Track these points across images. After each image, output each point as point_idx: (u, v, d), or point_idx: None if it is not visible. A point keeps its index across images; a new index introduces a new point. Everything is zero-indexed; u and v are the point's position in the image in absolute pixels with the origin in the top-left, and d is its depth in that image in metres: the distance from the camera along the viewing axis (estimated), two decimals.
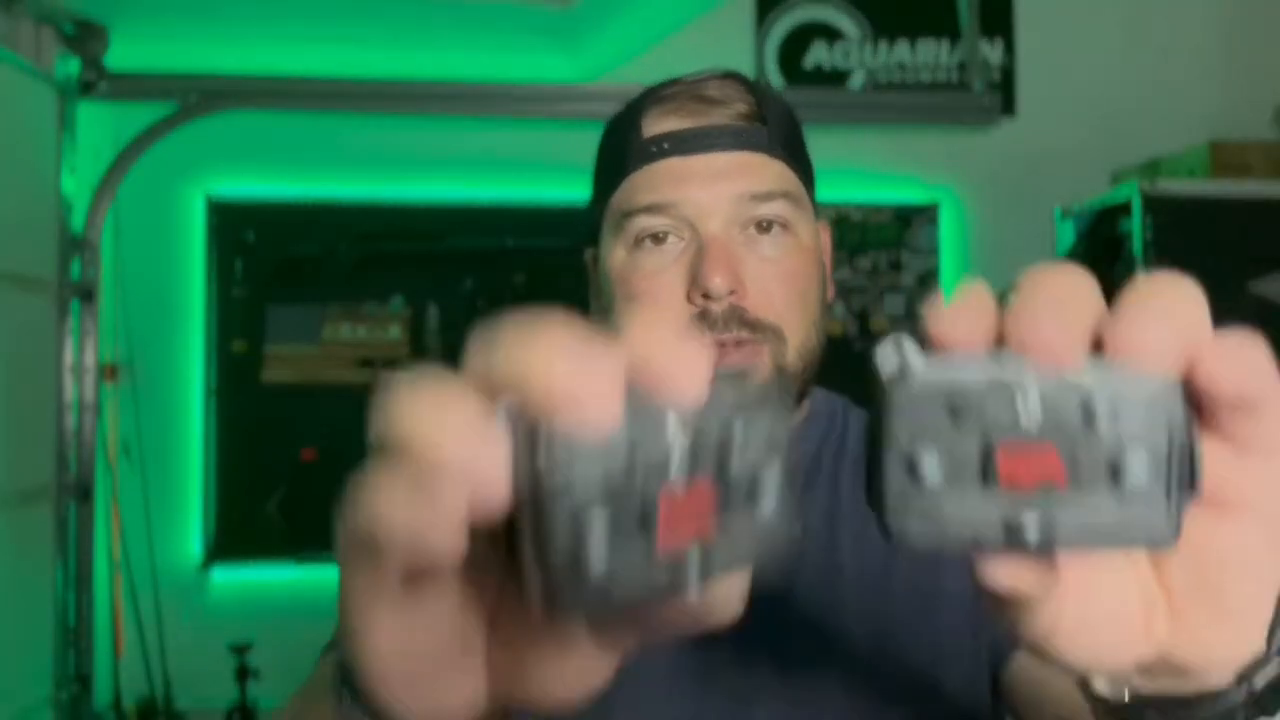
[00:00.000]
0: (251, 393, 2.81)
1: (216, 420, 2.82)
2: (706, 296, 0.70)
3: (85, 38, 2.47)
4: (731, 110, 0.76)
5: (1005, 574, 0.31)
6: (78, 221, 2.52)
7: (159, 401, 2.77)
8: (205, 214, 2.83)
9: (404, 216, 2.87)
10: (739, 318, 0.71)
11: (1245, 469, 0.32)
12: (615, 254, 0.76)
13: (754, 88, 0.77)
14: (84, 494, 2.48)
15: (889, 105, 2.85)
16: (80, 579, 2.46)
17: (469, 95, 2.69)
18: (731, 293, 0.71)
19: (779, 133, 0.76)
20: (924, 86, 3.02)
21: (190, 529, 2.80)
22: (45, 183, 2.42)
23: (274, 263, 2.85)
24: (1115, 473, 0.28)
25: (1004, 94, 3.00)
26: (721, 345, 0.71)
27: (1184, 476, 0.29)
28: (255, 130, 2.82)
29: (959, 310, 0.30)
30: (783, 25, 3.01)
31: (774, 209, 0.74)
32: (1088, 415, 0.28)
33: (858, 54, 3.03)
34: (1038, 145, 3.00)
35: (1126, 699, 0.37)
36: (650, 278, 0.73)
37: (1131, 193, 2.58)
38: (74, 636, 2.45)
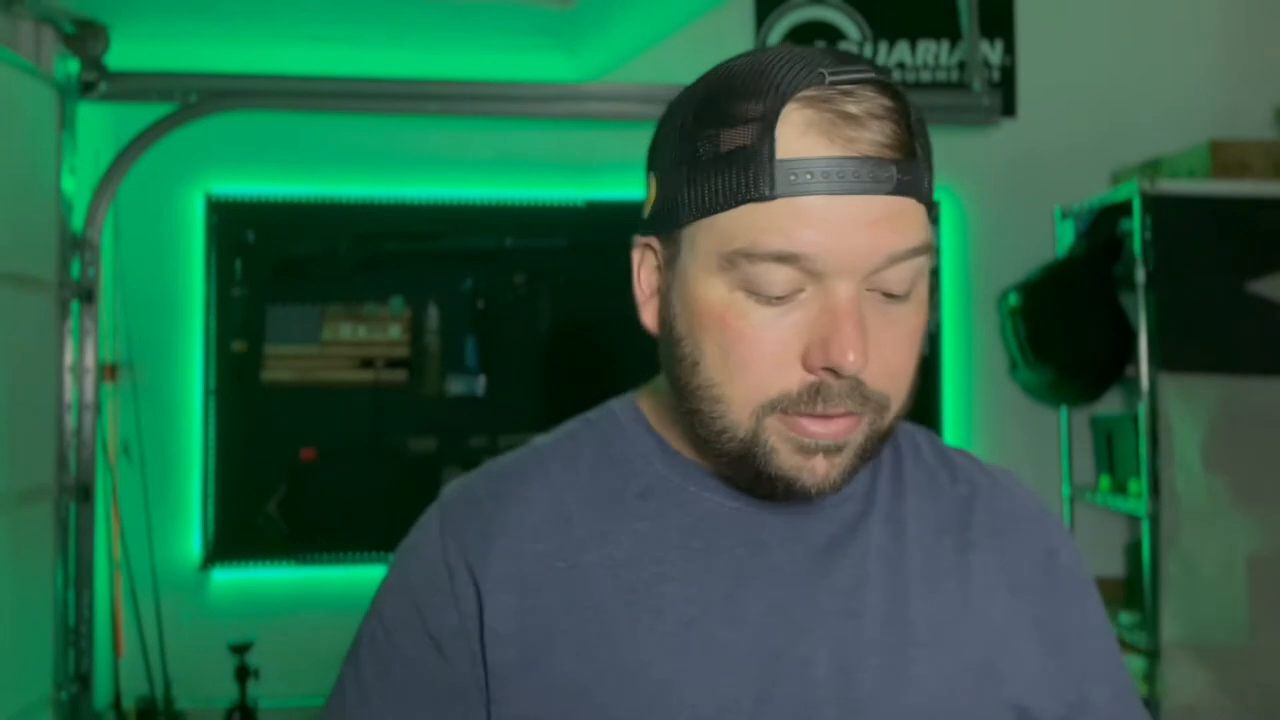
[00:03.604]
0: (251, 393, 2.81)
1: (216, 420, 2.81)
2: (831, 370, 0.62)
3: (85, 38, 2.47)
4: (880, 137, 0.62)
5: None
6: (78, 221, 2.52)
7: (159, 401, 2.77)
8: (205, 214, 2.83)
9: (404, 216, 2.87)
10: (859, 393, 0.63)
11: None
12: (713, 286, 0.64)
13: (902, 100, 0.64)
14: (84, 494, 2.48)
15: None
16: (80, 579, 2.46)
17: (469, 95, 2.69)
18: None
19: (927, 165, 0.64)
20: (924, 86, 3.02)
21: (190, 529, 2.80)
22: (45, 183, 2.42)
23: (274, 263, 2.85)
24: None
25: (1004, 94, 3.00)
26: (830, 421, 0.64)
27: None
28: (255, 130, 2.82)
29: None
30: (783, 25, 3.01)
31: (912, 269, 0.64)
32: None
33: (857, 54, 3.03)
34: (1038, 145, 3.00)
35: None
36: (760, 331, 0.63)
37: (1131, 192, 2.58)
38: (74, 636, 2.45)
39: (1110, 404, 2.95)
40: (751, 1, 3.00)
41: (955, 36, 3.03)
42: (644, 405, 0.77)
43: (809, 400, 0.63)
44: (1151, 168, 2.82)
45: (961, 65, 3.02)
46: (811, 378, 0.62)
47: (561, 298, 2.89)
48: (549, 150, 2.91)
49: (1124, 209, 2.66)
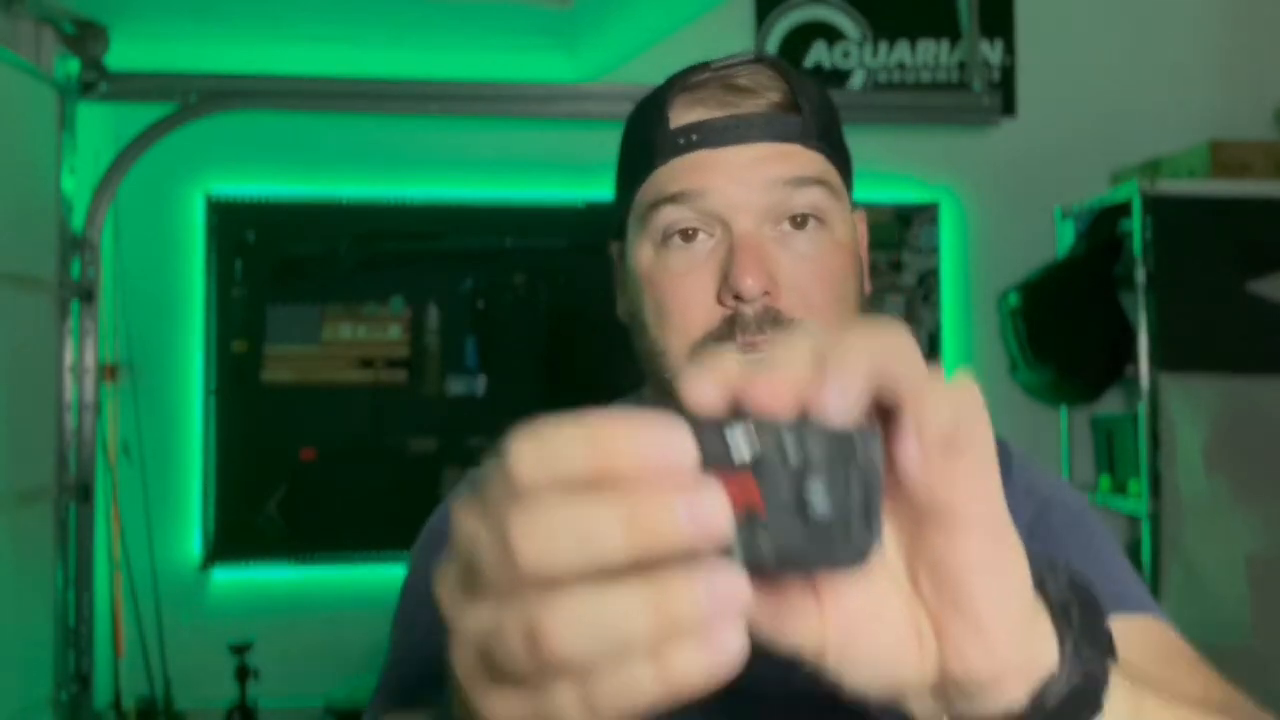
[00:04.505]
0: (251, 393, 2.81)
1: (216, 420, 2.81)
2: (738, 298, 0.68)
3: (85, 38, 2.47)
4: (763, 99, 0.72)
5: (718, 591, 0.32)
6: (78, 221, 2.52)
7: (159, 401, 2.77)
8: (205, 214, 2.83)
9: (404, 216, 2.87)
10: (773, 319, 0.69)
11: (952, 477, 0.36)
12: (642, 251, 0.73)
13: (787, 73, 0.73)
14: (84, 494, 2.48)
15: (889, 105, 2.85)
16: (80, 579, 2.46)
17: (469, 95, 2.69)
18: (765, 294, 0.68)
19: (814, 121, 0.72)
20: (924, 86, 3.02)
21: (190, 529, 2.80)
22: (45, 183, 2.42)
23: (274, 263, 2.85)
24: (803, 504, 0.32)
25: (1004, 94, 3.00)
26: (754, 348, 0.68)
27: (867, 509, 0.33)
28: (255, 130, 2.82)
29: (701, 376, 0.34)
30: (783, 25, 3.01)
31: (809, 198, 0.71)
32: (781, 453, 0.32)
33: (858, 54, 3.03)
34: (1038, 145, 3.00)
35: None
36: (679, 279, 0.71)
37: (1131, 193, 2.58)
38: (74, 636, 2.45)
39: (1110, 404, 2.95)
40: (751, 1, 3.00)
41: (955, 36, 3.03)
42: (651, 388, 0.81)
43: (729, 332, 0.69)
44: (1151, 168, 2.82)
45: (961, 65, 3.02)
46: (727, 310, 0.69)
47: (561, 298, 2.89)
48: (549, 150, 2.91)
49: (1124, 209, 2.66)
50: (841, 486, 0.33)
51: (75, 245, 2.50)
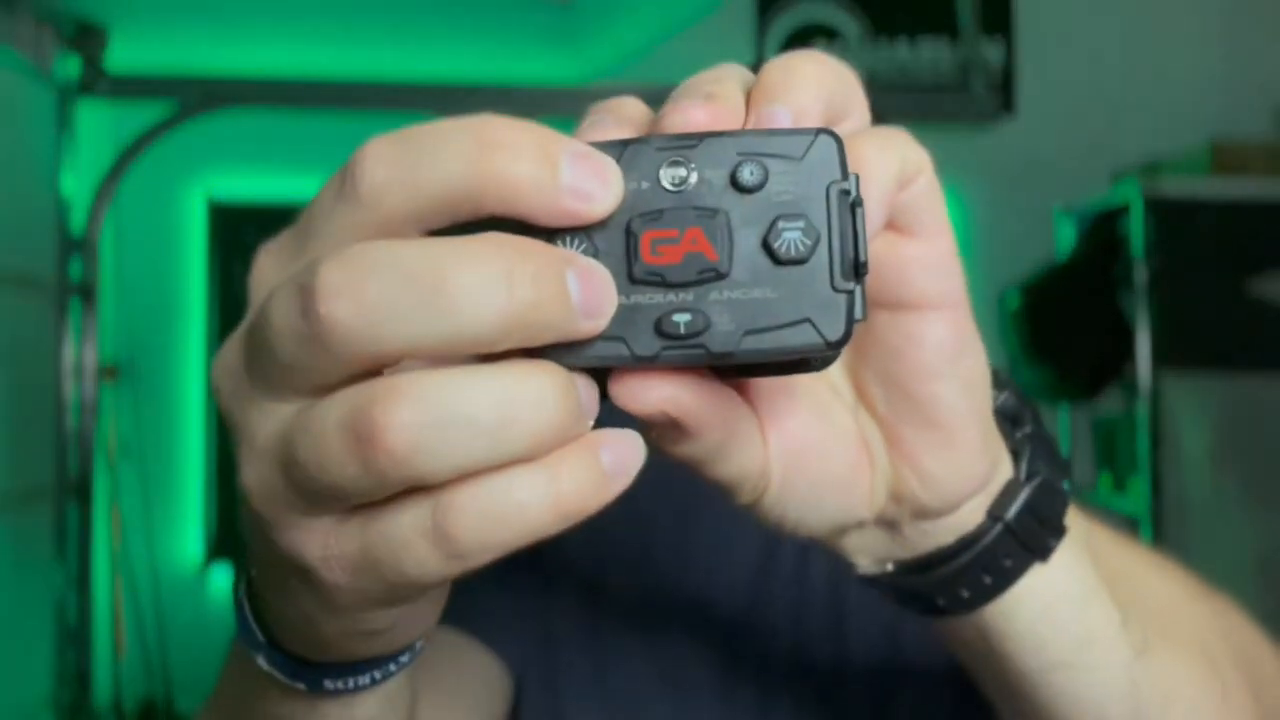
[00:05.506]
0: None
1: (216, 420, 2.81)
2: None
3: (85, 38, 2.47)
4: None
5: (653, 394, 0.25)
6: (78, 221, 2.52)
7: (159, 401, 2.77)
8: (205, 214, 2.83)
9: None
10: None
11: (908, 256, 0.30)
12: None
13: None
14: (84, 494, 2.48)
15: (889, 105, 2.85)
16: (80, 579, 2.46)
17: (468, 95, 2.69)
18: None
19: None
20: (924, 87, 3.02)
21: (190, 529, 2.80)
22: (45, 183, 2.42)
23: None
24: (769, 246, 0.24)
25: (1004, 94, 3.00)
26: None
27: (847, 249, 0.24)
28: (255, 130, 2.82)
29: (601, 115, 0.29)
30: (783, 25, 3.01)
31: None
32: (734, 181, 0.24)
33: (858, 54, 3.03)
34: (1038, 145, 3.00)
35: (891, 569, 0.34)
36: None
37: (1131, 193, 2.58)
38: (74, 636, 2.45)
39: (1111, 404, 2.95)
40: (752, 2, 3.00)
41: (955, 36, 3.03)
42: None
43: None
44: (1151, 168, 2.82)
45: (962, 65, 3.02)
46: None
47: None
48: None
49: (1124, 210, 2.67)
50: (820, 222, 0.24)
51: (75, 245, 2.50)
